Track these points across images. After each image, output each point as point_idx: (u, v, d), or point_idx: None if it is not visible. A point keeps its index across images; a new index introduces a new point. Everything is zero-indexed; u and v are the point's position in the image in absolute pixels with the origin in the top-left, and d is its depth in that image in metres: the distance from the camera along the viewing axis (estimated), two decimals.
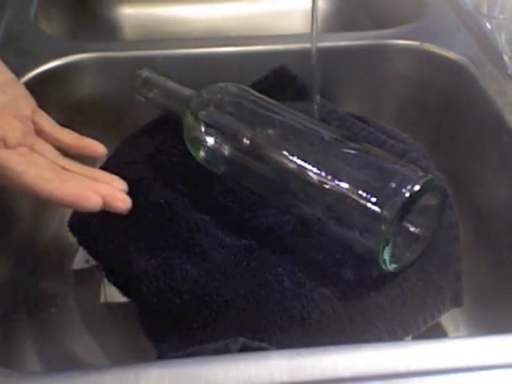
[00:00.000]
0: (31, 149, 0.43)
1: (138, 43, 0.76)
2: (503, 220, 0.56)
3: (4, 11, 0.68)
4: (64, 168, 0.43)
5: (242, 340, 0.39)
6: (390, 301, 0.45)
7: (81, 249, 0.54)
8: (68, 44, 0.65)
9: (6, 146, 0.41)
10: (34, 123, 0.45)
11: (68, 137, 0.46)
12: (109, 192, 0.41)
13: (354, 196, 0.41)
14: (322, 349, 0.36)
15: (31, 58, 0.61)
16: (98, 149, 0.46)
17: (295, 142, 0.46)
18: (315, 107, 0.52)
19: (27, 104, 0.46)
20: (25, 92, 0.46)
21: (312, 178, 0.43)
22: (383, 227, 0.40)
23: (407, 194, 0.40)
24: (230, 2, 0.89)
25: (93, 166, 0.47)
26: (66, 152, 0.45)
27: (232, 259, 0.46)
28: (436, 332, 0.53)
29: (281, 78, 0.60)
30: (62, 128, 0.46)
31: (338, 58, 0.65)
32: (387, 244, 0.40)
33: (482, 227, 0.59)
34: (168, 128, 0.56)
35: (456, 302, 0.49)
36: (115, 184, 0.43)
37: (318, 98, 0.52)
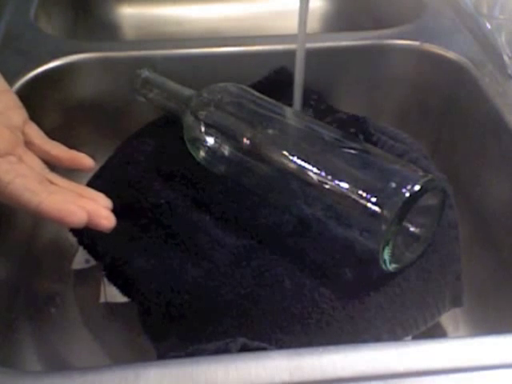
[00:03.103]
0: (19, 160, 0.42)
1: (138, 43, 0.76)
2: (503, 220, 0.56)
3: (4, 11, 0.68)
4: (51, 181, 0.43)
5: (241, 340, 0.39)
6: (390, 300, 0.45)
7: (81, 249, 0.54)
8: (68, 44, 0.65)
9: None
10: (24, 134, 0.44)
11: (56, 149, 0.45)
12: (94, 209, 0.41)
13: (354, 196, 0.41)
14: (321, 349, 0.36)
15: (31, 58, 0.61)
16: (86, 162, 0.45)
17: (295, 142, 0.46)
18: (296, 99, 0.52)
19: (18, 114, 0.45)
20: (17, 102, 0.46)
21: (312, 178, 0.43)
22: (383, 227, 0.40)
23: (407, 194, 0.40)
24: (229, 2, 0.89)
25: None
26: (54, 164, 0.45)
27: (232, 259, 0.46)
28: (436, 332, 0.53)
29: (281, 79, 0.60)
30: (51, 140, 0.46)
31: (338, 58, 0.65)
32: (387, 244, 0.41)
33: (482, 227, 0.59)
34: (168, 128, 0.56)
35: (456, 302, 0.49)
36: (100, 201, 0.43)
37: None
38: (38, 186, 0.41)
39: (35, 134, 0.45)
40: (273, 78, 0.61)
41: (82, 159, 0.45)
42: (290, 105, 0.52)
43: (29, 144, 0.44)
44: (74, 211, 0.39)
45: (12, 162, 0.41)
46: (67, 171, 0.45)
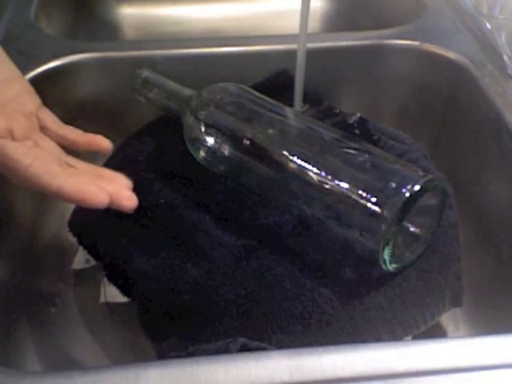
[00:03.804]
0: (36, 144, 0.43)
1: (138, 43, 0.76)
2: (503, 220, 0.56)
3: (4, 11, 0.68)
4: (69, 164, 0.42)
5: (241, 340, 0.39)
6: (390, 301, 0.45)
7: (81, 249, 0.54)
8: (68, 44, 0.65)
9: (13, 138, 0.41)
10: (39, 119, 0.45)
11: (72, 133, 0.46)
12: (115, 190, 0.40)
13: (354, 196, 0.41)
14: (321, 349, 0.36)
15: (31, 58, 0.61)
16: (103, 143, 0.45)
17: (295, 142, 0.46)
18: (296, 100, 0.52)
19: (32, 100, 0.45)
20: (30, 89, 0.46)
21: (312, 178, 0.43)
22: (383, 227, 0.40)
23: (407, 194, 0.40)
24: (229, 2, 0.89)
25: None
26: (70, 149, 0.45)
27: (232, 259, 0.46)
28: (436, 332, 0.53)
29: (282, 81, 0.60)
30: (66, 125, 0.46)
31: (338, 58, 0.65)
32: (387, 244, 0.40)
33: (482, 227, 0.59)
34: (168, 128, 0.56)
35: (456, 302, 0.49)
36: (120, 181, 0.43)
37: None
38: (57, 169, 0.40)
39: (50, 119, 0.46)
40: (274, 80, 0.61)
41: (100, 141, 0.45)
42: (291, 106, 0.52)
43: (44, 129, 0.44)
44: (95, 192, 0.39)
45: (29, 147, 0.41)
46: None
